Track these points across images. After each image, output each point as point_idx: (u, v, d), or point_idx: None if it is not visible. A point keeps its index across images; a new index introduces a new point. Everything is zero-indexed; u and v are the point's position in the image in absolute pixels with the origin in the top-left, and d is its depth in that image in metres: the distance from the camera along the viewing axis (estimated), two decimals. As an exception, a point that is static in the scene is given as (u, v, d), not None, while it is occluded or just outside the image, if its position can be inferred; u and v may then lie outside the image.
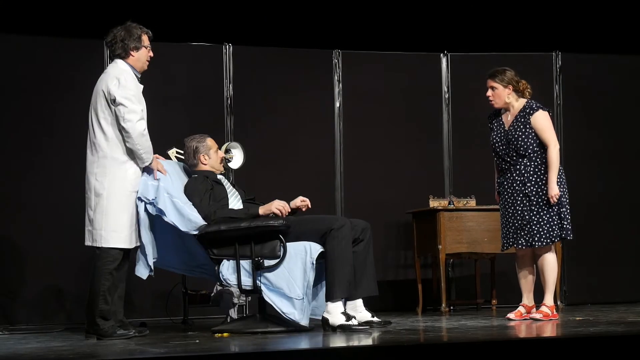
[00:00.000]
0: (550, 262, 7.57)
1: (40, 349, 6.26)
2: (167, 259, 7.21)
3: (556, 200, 7.42)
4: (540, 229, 7.47)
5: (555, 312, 7.61)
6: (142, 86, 6.92)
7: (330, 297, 6.94)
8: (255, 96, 9.39)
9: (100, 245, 6.73)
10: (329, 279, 6.95)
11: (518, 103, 7.62)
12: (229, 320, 7.72)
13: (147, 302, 8.83)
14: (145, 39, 6.94)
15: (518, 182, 7.53)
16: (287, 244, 6.96)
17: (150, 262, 6.97)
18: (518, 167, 7.53)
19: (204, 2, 9.38)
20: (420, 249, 9.02)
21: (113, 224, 6.75)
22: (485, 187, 8.55)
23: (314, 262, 6.92)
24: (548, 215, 7.47)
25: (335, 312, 6.90)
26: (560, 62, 9.95)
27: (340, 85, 9.62)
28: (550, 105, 9.88)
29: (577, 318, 7.74)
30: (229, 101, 9.31)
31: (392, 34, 9.89)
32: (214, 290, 8.04)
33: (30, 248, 8.60)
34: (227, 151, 7.48)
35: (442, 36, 9.92)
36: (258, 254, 6.97)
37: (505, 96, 7.60)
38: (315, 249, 6.96)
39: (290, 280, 6.93)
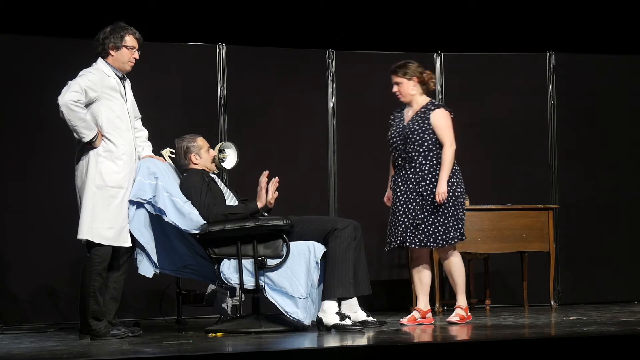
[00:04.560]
0: (456, 264, 7.46)
1: (34, 349, 6.26)
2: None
3: (443, 199, 7.27)
4: (436, 230, 7.33)
5: (469, 314, 7.47)
6: (120, 85, 6.89)
7: (327, 296, 6.95)
8: (249, 96, 9.39)
9: (78, 237, 6.75)
10: (328, 278, 6.97)
11: (422, 99, 7.51)
12: (223, 317, 7.73)
13: (140, 302, 8.82)
14: (129, 40, 6.91)
15: (412, 180, 7.39)
16: (290, 243, 6.97)
17: (155, 260, 6.99)
18: (414, 164, 7.39)
19: (197, 2, 9.37)
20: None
21: (87, 217, 6.74)
22: (480, 186, 8.56)
23: (319, 262, 6.95)
24: (443, 217, 7.34)
25: (330, 312, 6.91)
26: (553, 62, 9.95)
27: (334, 85, 9.62)
28: (544, 105, 9.91)
29: (571, 318, 7.75)
30: (222, 101, 9.31)
31: (386, 34, 9.89)
32: (208, 290, 8.04)
33: (23, 247, 8.58)
34: (220, 151, 7.47)
35: (435, 36, 9.92)
36: (261, 254, 6.98)
37: (410, 88, 7.47)
38: (319, 248, 6.99)
39: (293, 279, 6.95)
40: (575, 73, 10.00)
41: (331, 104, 9.62)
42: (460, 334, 6.73)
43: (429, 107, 7.47)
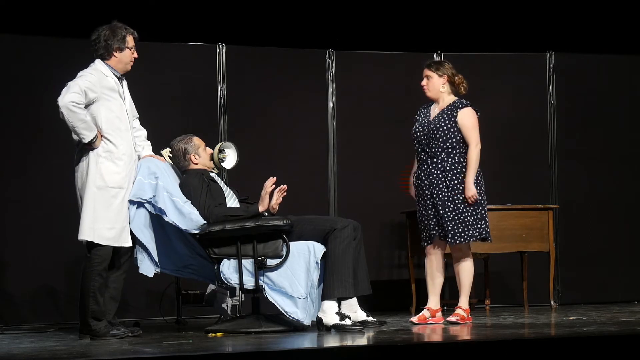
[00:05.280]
0: (466, 265, 7.44)
1: (33, 349, 6.25)
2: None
3: (473, 202, 7.32)
4: (456, 227, 7.33)
5: (469, 316, 7.47)
6: (119, 85, 6.89)
7: (327, 296, 6.95)
8: (249, 96, 9.39)
9: (79, 238, 6.75)
10: (328, 278, 6.96)
11: (448, 97, 7.52)
12: (223, 317, 7.73)
13: (140, 302, 8.82)
14: (129, 40, 6.92)
15: (435, 175, 7.38)
16: (290, 243, 6.97)
17: (156, 260, 7.00)
18: (436, 160, 7.39)
19: (197, 2, 9.37)
20: (413, 249, 9.01)
21: (88, 217, 6.74)
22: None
23: (318, 262, 6.94)
24: (464, 215, 7.34)
25: (329, 312, 6.91)
26: (553, 62, 9.96)
27: (334, 84, 9.62)
28: (544, 105, 9.92)
29: (571, 318, 7.75)
30: (222, 101, 9.31)
31: (386, 34, 9.89)
32: (207, 290, 8.04)
33: (23, 247, 8.59)
34: (220, 151, 7.46)
35: (435, 35, 9.92)
36: (261, 254, 6.98)
37: (439, 86, 7.49)
38: (319, 249, 6.98)
39: (293, 279, 6.94)
40: (575, 73, 10.00)
41: (331, 104, 9.62)
42: (460, 334, 6.72)
43: (456, 104, 7.47)
